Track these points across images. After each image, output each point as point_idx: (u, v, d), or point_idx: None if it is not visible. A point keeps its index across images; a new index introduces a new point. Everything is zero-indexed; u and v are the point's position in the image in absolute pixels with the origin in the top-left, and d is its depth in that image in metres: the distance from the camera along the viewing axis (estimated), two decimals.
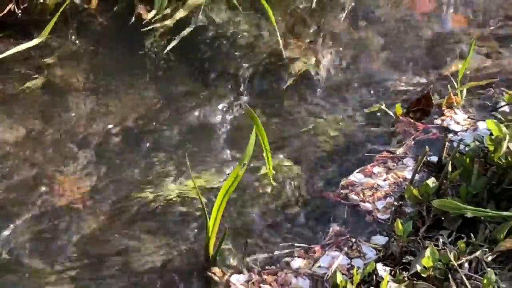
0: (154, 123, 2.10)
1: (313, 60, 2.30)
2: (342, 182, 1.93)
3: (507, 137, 1.75)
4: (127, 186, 1.90)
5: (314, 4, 2.48)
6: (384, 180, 1.93)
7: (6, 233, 1.70)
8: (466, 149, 1.92)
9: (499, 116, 2.06)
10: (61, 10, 2.23)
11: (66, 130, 2.05)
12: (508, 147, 1.73)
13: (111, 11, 2.40)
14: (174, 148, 2.02)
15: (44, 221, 1.77)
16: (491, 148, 1.79)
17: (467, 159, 1.83)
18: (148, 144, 2.03)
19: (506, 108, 2.09)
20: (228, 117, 2.12)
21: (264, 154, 1.75)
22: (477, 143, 1.93)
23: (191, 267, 1.66)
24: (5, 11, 2.24)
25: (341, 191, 1.90)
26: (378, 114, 2.15)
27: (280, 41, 2.30)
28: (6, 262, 1.64)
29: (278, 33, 2.28)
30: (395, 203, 1.86)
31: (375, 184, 1.92)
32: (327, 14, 2.49)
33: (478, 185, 1.76)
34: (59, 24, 2.25)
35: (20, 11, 2.26)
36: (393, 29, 2.47)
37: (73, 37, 2.31)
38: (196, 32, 2.37)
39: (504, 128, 1.79)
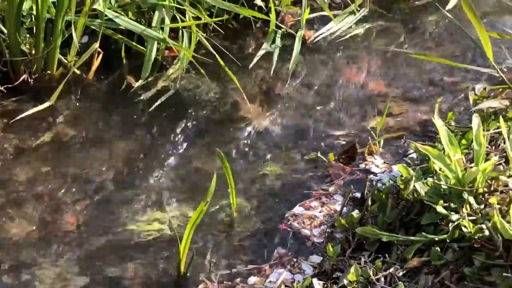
0: (139, 168, 2.11)
1: (266, 118, 2.30)
2: (287, 214, 1.93)
3: (414, 178, 1.77)
4: (116, 219, 1.90)
5: (271, 73, 2.47)
6: (320, 212, 1.94)
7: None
8: (383, 187, 1.93)
9: (408, 161, 2.09)
10: (65, 79, 2.25)
11: (71, 173, 2.05)
12: (414, 186, 1.74)
13: (106, 80, 2.41)
14: (154, 186, 2.03)
15: (47, 242, 1.78)
16: (402, 186, 1.81)
17: (383, 195, 1.85)
18: (133, 184, 2.04)
19: (413, 155, 2.09)
20: (196, 162, 2.12)
21: (229, 190, 1.78)
22: (391, 182, 1.93)
23: (166, 282, 1.68)
24: (20, 80, 2.25)
25: (286, 221, 1.91)
26: (315, 160, 2.14)
27: (245, 98, 2.30)
28: None
29: (243, 94, 2.30)
30: (328, 230, 1.87)
31: (313, 215, 1.93)
32: (280, 80, 2.48)
33: (391, 216, 1.78)
34: (64, 91, 2.25)
35: (32, 80, 2.28)
36: (329, 93, 2.48)
37: (75, 101, 2.32)
38: (173, 96, 2.37)
39: (411, 171, 1.82)
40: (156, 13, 2.42)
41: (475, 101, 2.31)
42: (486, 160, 1.77)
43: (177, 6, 2.46)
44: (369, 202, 1.86)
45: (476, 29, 2.06)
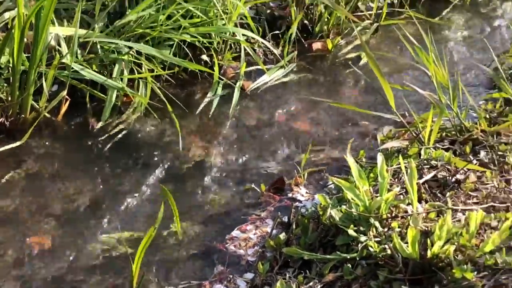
0: (98, 198, 2.11)
1: (209, 154, 2.32)
2: (226, 237, 1.95)
3: (330, 206, 1.80)
4: (77, 242, 1.90)
5: (213, 117, 2.50)
6: (254, 234, 1.96)
7: None
8: (306, 213, 1.96)
9: (327, 191, 2.12)
10: (37, 122, 2.25)
11: (39, 203, 2.05)
12: (330, 213, 1.78)
13: (72, 122, 2.42)
14: (112, 214, 2.03)
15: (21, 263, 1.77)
16: (321, 212, 1.84)
17: (306, 220, 1.88)
18: (93, 212, 2.04)
19: (332, 186, 2.12)
20: (147, 193, 2.12)
21: (175, 218, 1.79)
22: (313, 209, 1.96)
23: None
24: None
25: (225, 242, 1.93)
26: (250, 190, 2.17)
27: (187, 142, 2.32)
28: None
29: (179, 135, 2.31)
30: (260, 250, 1.89)
31: (247, 237, 1.95)
32: (221, 123, 2.50)
33: (312, 237, 1.81)
34: (36, 131, 2.26)
35: (8, 122, 2.27)
36: (263, 133, 2.51)
37: (45, 140, 2.32)
38: (129, 135, 2.38)
39: (329, 200, 1.85)
40: (116, 65, 2.44)
41: (382, 141, 2.37)
42: (389, 190, 1.81)
43: (135, 60, 2.47)
44: (294, 226, 1.90)
45: (381, 82, 2.13)
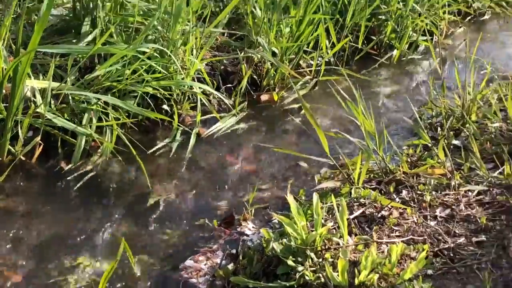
0: (67, 233, 2.08)
1: (167, 193, 2.32)
2: (180, 266, 1.94)
3: (273, 239, 1.81)
4: (47, 273, 1.87)
5: (172, 160, 2.49)
6: (205, 264, 1.95)
7: None
8: (252, 245, 1.97)
9: (272, 226, 2.13)
10: (12, 164, 2.22)
11: (12, 236, 2.01)
12: (272, 246, 1.78)
13: (45, 164, 2.39)
14: (79, 248, 2.01)
15: None
16: (265, 245, 1.85)
17: (252, 252, 1.88)
18: (62, 246, 2.01)
19: (275, 221, 2.12)
20: (111, 229, 2.10)
21: (128, 255, 1.78)
22: (258, 241, 1.97)
23: None
24: None
25: (179, 272, 1.91)
26: (203, 225, 2.16)
27: (148, 182, 2.30)
28: None
29: (143, 176, 2.30)
30: (210, 279, 1.88)
31: (200, 267, 1.93)
32: (179, 165, 2.50)
33: (257, 267, 1.81)
34: (12, 173, 2.24)
35: None
36: (215, 173, 2.53)
37: (20, 181, 2.28)
38: (97, 176, 2.36)
39: (271, 234, 1.86)
40: (86, 114, 2.42)
41: (319, 181, 2.39)
42: (324, 225, 1.83)
43: (102, 110, 2.46)
44: (241, 257, 1.90)
45: (316, 130, 2.16)
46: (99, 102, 2.45)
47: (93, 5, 2.59)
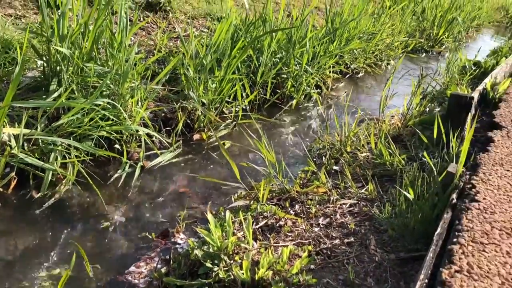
0: (33, 249, 2.00)
1: (117, 213, 2.26)
2: (126, 271, 1.90)
3: (196, 247, 1.80)
4: (15, 277, 1.78)
5: (121, 188, 2.44)
6: (145, 269, 1.92)
7: None
8: (181, 252, 1.95)
9: (198, 236, 2.12)
10: None
11: None
12: (195, 252, 1.78)
13: (19, 193, 2.29)
14: (41, 261, 1.93)
15: None
16: (190, 252, 1.84)
17: (180, 257, 1.88)
18: (28, 260, 1.93)
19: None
20: (68, 245, 2.03)
21: (85, 262, 1.72)
22: (186, 249, 1.95)
23: None
24: None
25: (124, 276, 1.88)
26: (144, 237, 2.13)
27: (103, 206, 2.25)
28: None
29: (102, 202, 2.25)
30: (149, 280, 1.85)
31: (141, 271, 1.90)
32: (128, 192, 2.45)
33: (183, 269, 1.81)
34: None
35: None
36: (156, 196, 2.49)
37: None
38: (61, 202, 2.29)
39: (195, 243, 1.86)
40: (52, 154, 2.35)
41: (235, 200, 2.41)
42: (235, 234, 1.85)
43: (65, 151, 2.40)
44: (172, 262, 1.87)
45: (228, 160, 2.19)
46: (63, 144, 2.38)
47: (59, 69, 2.53)
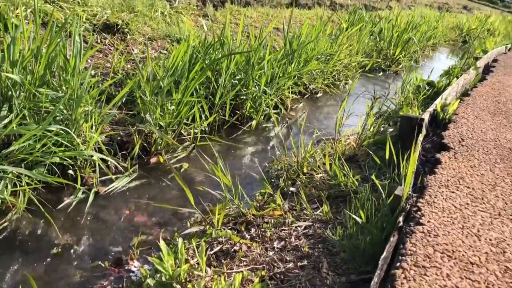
0: None
1: (72, 241, 2.23)
2: None
3: (148, 275, 1.79)
4: None
5: (75, 213, 2.40)
6: None
7: None
8: (134, 281, 1.93)
9: (152, 264, 2.10)
10: None
11: None
12: (147, 281, 1.76)
13: None
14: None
15: None
16: (143, 280, 1.82)
17: (134, 286, 1.85)
18: None
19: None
20: (21, 272, 1.98)
21: None
22: (139, 277, 1.94)
23: None
24: None
25: None
26: (99, 266, 2.10)
27: (56, 233, 2.21)
28: None
29: (56, 229, 2.20)
30: None
31: None
32: (82, 217, 2.41)
33: None
34: None
35: None
36: (112, 223, 2.46)
37: None
38: (11, 231, 2.22)
39: (148, 271, 1.84)
40: (2, 181, 2.29)
41: (191, 225, 2.41)
42: (188, 262, 1.85)
43: (16, 178, 2.35)
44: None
45: (183, 187, 2.20)
46: (13, 171, 2.33)
47: (10, 95, 2.49)
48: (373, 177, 2.26)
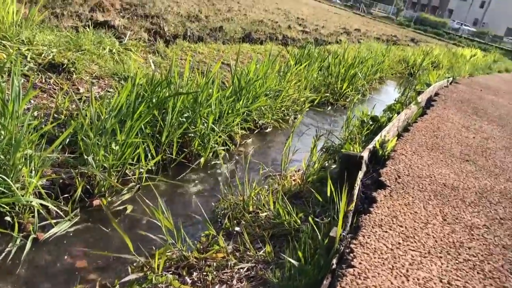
0: None
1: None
2: None
3: None
4: None
5: (9, 260, 2.33)
6: None
7: None
8: None
9: None
10: None
11: None
12: None
13: None
14: None
15: None
16: None
17: None
18: None
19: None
20: None
21: None
22: None
23: None
24: None
25: None
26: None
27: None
28: None
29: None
30: None
31: None
32: (15, 266, 2.34)
33: None
34: None
35: None
36: (50, 271, 2.39)
37: None
38: None
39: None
40: None
41: (132, 271, 2.39)
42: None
43: None
44: None
45: (120, 233, 2.18)
46: None
47: None
48: (309, 218, 2.33)
